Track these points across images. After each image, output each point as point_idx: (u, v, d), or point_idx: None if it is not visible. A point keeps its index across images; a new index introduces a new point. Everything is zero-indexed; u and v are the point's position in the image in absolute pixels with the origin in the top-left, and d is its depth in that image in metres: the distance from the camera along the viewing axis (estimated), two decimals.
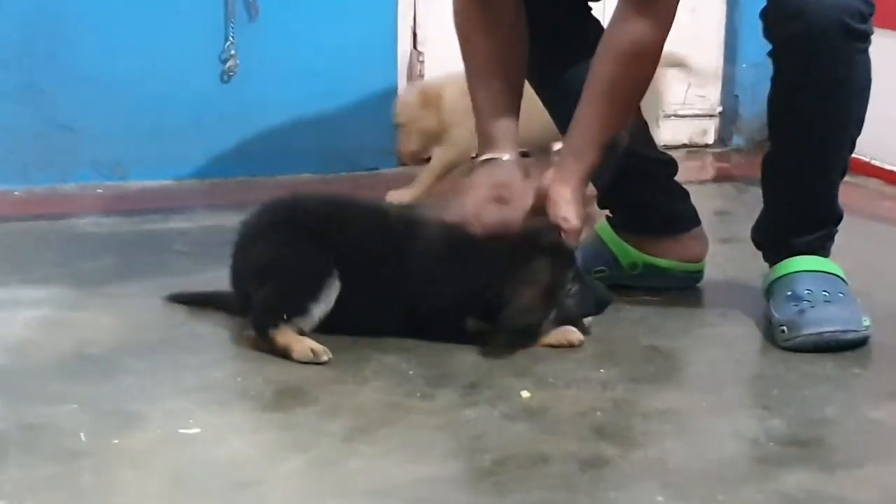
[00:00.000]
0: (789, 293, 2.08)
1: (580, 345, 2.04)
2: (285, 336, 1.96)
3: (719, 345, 2.10)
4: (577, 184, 2.05)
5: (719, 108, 3.72)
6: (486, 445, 1.67)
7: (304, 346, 1.96)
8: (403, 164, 3.39)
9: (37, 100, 3.03)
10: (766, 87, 3.55)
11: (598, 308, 2.09)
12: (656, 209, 2.34)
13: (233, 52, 3.08)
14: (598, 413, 1.78)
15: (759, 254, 2.25)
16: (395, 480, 1.57)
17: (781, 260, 2.15)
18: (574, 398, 1.84)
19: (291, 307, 1.98)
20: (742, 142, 3.69)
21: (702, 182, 3.32)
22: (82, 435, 1.67)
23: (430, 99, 2.92)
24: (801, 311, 2.04)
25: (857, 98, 2.10)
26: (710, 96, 3.70)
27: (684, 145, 3.66)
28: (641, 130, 2.36)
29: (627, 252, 2.33)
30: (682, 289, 2.34)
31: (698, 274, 2.37)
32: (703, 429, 1.76)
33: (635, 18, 1.99)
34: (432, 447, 1.68)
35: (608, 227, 2.36)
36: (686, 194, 2.39)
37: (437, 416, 1.77)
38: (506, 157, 2.12)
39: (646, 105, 2.32)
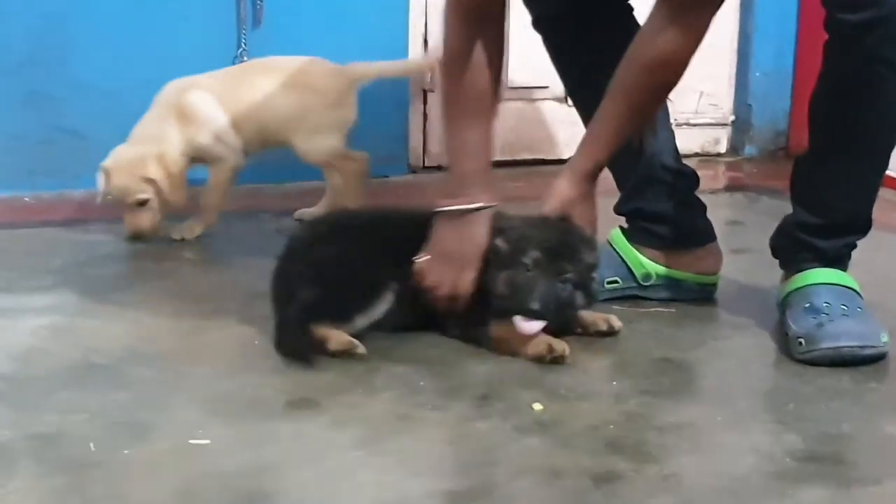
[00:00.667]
0: (807, 305, 2.06)
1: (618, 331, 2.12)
2: (322, 329, 1.98)
3: (733, 357, 2.08)
4: (579, 178, 2.06)
5: (732, 117, 3.72)
6: (498, 458, 1.65)
7: (341, 337, 1.98)
8: (413, 172, 3.39)
9: (44, 106, 3.02)
10: (778, 95, 3.54)
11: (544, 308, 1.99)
12: (674, 221, 2.32)
13: (245, 58, 3.07)
14: (611, 427, 1.77)
15: (772, 264, 2.23)
16: (405, 493, 1.55)
17: (801, 267, 2.12)
18: (587, 411, 1.82)
19: (337, 312, 2.01)
20: (754, 151, 3.68)
21: (714, 191, 3.31)
22: (92, 445, 1.65)
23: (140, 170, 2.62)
24: (820, 325, 2.01)
25: None
26: (723, 105, 3.69)
27: (696, 154, 3.66)
28: (668, 140, 2.35)
29: (641, 263, 2.31)
30: (695, 301, 2.32)
31: (712, 287, 2.35)
32: (718, 443, 1.74)
33: (668, 28, 1.97)
34: (444, 460, 1.66)
35: (622, 237, 2.34)
36: (704, 208, 2.37)
37: (448, 429, 1.75)
38: (476, 205, 2.08)
39: None
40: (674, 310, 2.28)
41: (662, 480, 1.61)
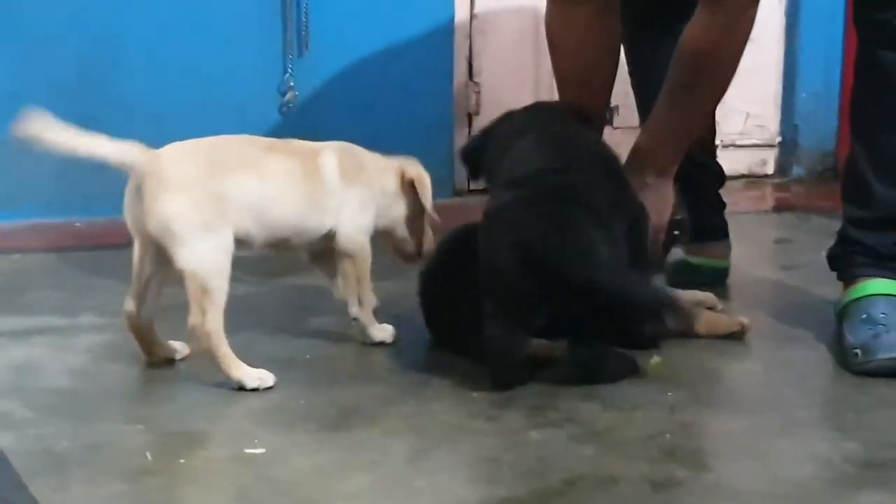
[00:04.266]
0: (864, 316, 2.04)
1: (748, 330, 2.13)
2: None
3: (787, 368, 2.06)
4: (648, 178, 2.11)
5: (779, 138, 3.69)
6: (553, 466, 1.65)
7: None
8: (459, 195, 3.39)
9: (95, 130, 3.05)
10: (825, 115, 3.51)
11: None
12: (693, 216, 2.34)
13: (291, 83, 3.09)
14: (668, 435, 1.75)
15: (824, 280, 2.23)
16: (462, 500, 1.55)
17: (857, 275, 2.12)
18: (642, 420, 1.81)
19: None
20: (802, 172, 3.65)
21: (761, 212, 3.30)
22: (148, 454, 1.66)
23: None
24: (877, 336, 1.99)
25: None
26: (769, 126, 3.67)
27: (743, 175, 3.61)
28: (707, 134, 2.42)
29: None
30: (712, 285, 2.35)
31: (725, 271, 2.45)
32: (775, 451, 1.72)
33: (711, 21, 2.01)
34: (499, 467, 1.65)
35: None
36: (723, 207, 2.46)
37: (503, 438, 1.75)
38: None
39: None
40: None
41: (720, 487, 1.60)
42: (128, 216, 2.04)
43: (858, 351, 2.00)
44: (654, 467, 1.64)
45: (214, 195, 1.91)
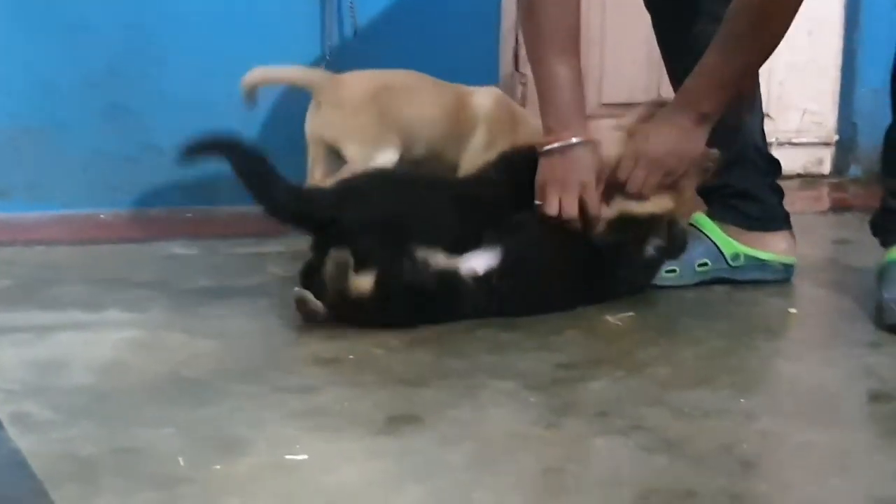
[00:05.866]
0: None
1: None
2: None
3: (867, 376, 1.90)
4: (685, 119, 2.11)
5: (836, 136, 3.53)
6: (623, 478, 1.50)
7: None
8: None
9: (124, 120, 2.94)
10: (885, 113, 3.39)
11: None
12: (759, 202, 2.36)
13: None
14: (745, 445, 1.61)
15: None
16: None
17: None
18: (715, 430, 1.66)
19: None
20: (859, 172, 3.48)
21: (818, 213, 3.14)
22: (181, 460, 1.52)
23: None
24: None
25: None
26: (826, 123, 3.51)
27: (798, 175, 3.45)
28: (759, 123, 2.40)
29: (730, 243, 2.33)
30: (780, 282, 2.34)
31: (792, 268, 2.38)
32: (866, 465, 1.57)
33: None
34: (564, 478, 1.51)
35: (707, 219, 2.35)
36: (783, 195, 2.41)
37: (565, 447, 1.60)
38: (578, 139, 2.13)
39: None
40: (794, 331, 2.15)
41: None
42: (307, 126, 2.58)
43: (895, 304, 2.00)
44: (733, 481, 1.50)
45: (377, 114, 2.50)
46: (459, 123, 2.60)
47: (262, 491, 1.46)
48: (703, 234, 2.33)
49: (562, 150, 2.13)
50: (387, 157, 2.49)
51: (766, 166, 2.39)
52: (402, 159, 2.51)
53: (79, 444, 1.57)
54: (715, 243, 2.32)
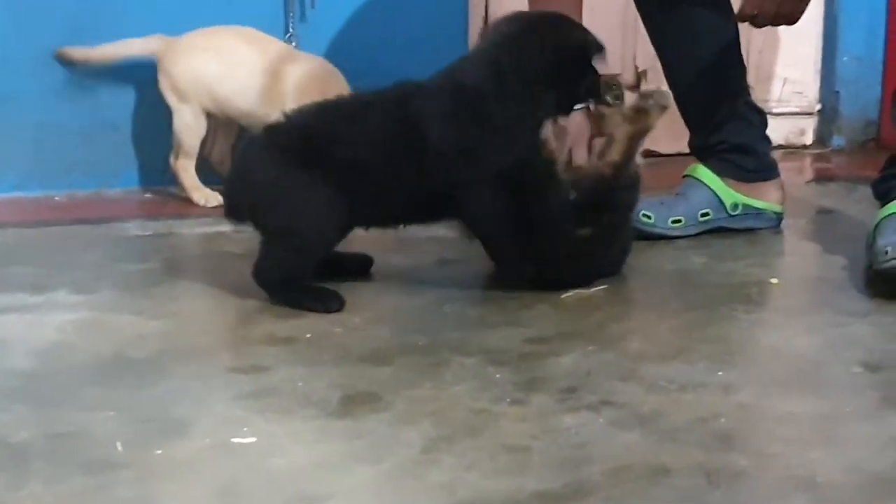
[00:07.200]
0: None
1: None
2: None
3: (851, 345, 1.80)
4: None
5: (818, 106, 3.42)
6: (592, 455, 1.40)
7: None
8: None
9: (78, 97, 2.83)
10: (869, 82, 3.29)
11: None
12: (754, 155, 2.46)
13: (294, 44, 2.86)
14: (722, 419, 1.51)
15: None
16: (485, 495, 1.31)
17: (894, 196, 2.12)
18: (692, 403, 1.56)
19: None
20: (843, 142, 3.39)
21: (801, 185, 3.04)
22: (119, 444, 1.42)
23: None
24: None
25: None
26: (808, 93, 3.41)
27: (780, 146, 3.32)
28: (744, 77, 2.49)
29: (729, 193, 2.43)
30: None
31: (781, 216, 2.49)
32: (851, 436, 1.47)
33: None
34: (529, 457, 1.41)
35: (708, 171, 2.43)
36: (771, 143, 2.53)
37: (531, 424, 1.50)
38: None
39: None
40: (776, 300, 2.04)
41: (791, 478, 1.35)
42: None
43: (889, 248, 1.99)
44: (710, 456, 1.40)
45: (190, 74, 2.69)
46: (269, 94, 2.65)
47: (203, 475, 1.36)
48: (704, 184, 2.42)
49: None
50: (187, 116, 2.70)
51: (757, 118, 2.49)
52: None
53: (11, 429, 1.47)
54: (716, 193, 2.42)
